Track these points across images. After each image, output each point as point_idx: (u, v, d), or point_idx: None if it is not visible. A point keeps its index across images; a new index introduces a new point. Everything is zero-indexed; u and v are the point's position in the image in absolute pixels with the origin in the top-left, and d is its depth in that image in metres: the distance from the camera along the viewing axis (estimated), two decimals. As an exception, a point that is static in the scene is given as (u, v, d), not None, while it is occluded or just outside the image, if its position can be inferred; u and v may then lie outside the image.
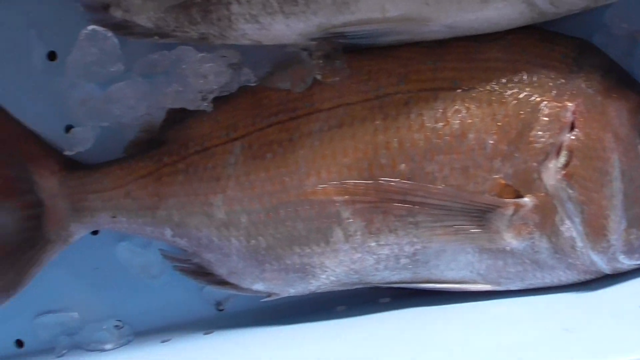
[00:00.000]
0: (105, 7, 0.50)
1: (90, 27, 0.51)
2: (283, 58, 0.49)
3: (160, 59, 0.51)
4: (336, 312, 0.54)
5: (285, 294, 0.51)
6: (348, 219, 0.46)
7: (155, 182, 0.50)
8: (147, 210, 0.50)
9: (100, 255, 0.56)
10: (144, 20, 0.49)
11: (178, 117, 0.52)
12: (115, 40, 0.51)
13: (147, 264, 0.55)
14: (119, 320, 0.56)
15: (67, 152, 0.53)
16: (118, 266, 0.55)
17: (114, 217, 0.51)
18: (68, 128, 0.54)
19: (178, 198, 0.49)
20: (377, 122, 0.46)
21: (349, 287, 0.50)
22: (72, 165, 0.53)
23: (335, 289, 0.50)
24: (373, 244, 0.46)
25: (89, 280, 0.56)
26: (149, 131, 0.53)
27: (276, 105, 0.49)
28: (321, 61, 0.48)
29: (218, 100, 0.50)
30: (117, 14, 0.50)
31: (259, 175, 0.48)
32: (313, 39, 0.47)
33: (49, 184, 0.53)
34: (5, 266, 0.54)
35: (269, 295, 0.51)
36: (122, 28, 0.51)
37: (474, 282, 0.46)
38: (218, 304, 0.56)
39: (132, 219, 0.51)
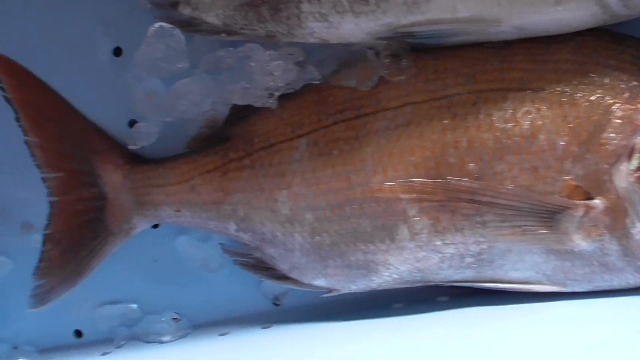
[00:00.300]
0: (174, 5, 0.51)
1: (158, 24, 0.51)
2: (349, 56, 0.50)
3: (226, 56, 0.51)
4: (393, 309, 0.54)
5: (346, 290, 0.51)
6: (414, 216, 0.46)
7: (221, 177, 0.51)
8: (212, 205, 0.51)
9: (160, 249, 0.57)
10: (212, 17, 0.50)
11: (241, 113, 0.53)
12: (182, 37, 0.52)
13: (206, 258, 0.56)
14: (177, 313, 0.57)
15: (131, 147, 0.54)
16: (177, 259, 0.56)
17: (177, 211, 0.52)
18: (132, 123, 0.56)
19: (243, 193, 0.50)
20: (445, 122, 0.46)
21: (409, 285, 0.50)
22: (136, 160, 0.54)
23: (396, 286, 0.51)
24: (439, 242, 0.47)
25: (148, 273, 0.57)
26: (212, 127, 0.53)
27: (341, 103, 0.49)
28: (388, 60, 0.48)
29: (282, 98, 0.51)
30: (186, 11, 0.51)
31: (325, 172, 0.48)
32: (380, 38, 0.48)
33: (113, 178, 0.54)
34: (68, 257, 0.56)
35: (330, 291, 0.52)
36: (189, 25, 0.52)
37: (539, 283, 0.46)
38: (275, 298, 0.56)
39: (196, 213, 0.52)
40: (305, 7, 0.47)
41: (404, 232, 0.47)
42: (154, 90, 0.53)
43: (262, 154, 0.50)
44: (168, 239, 0.56)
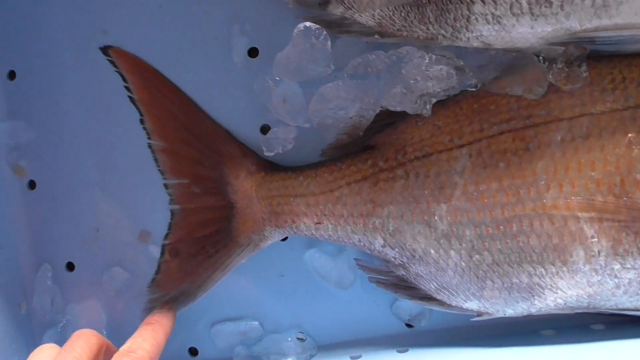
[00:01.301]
0: (324, 4, 0.48)
1: (304, 23, 0.48)
2: (512, 62, 0.47)
3: (377, 60, 0.48)
4: (543, 337, 0.50)
5: (499, 315, 0.47)
6: (592, 237, 0.43)
7: (371, 187, 0.47)
8: (359, 217, 0.48)
9: (287, 262, 0.53)
10: (366, 18, 0.47)
11: (384, 120, 0.50)
12: (328, 38, 0.49)
13: (337, 274, 0.52)
14: (302, 332, 0.53)
15: (267, 154, 0.51)
16: (305, 274, 0.53)
17: (318, 223, 0.49)
18: (264, 128, 0.52)
19: (396, 205, 0.47)
20: (631, 135, 0.42)
21: (570, 312, 0.47)
22: (271, 167, 0.51)
23: (557, 312, 0.47)
24: (617, 266, 0.43)
25: (272, 288, 0.53)
26: (352, 134, 0.50)
27: (506, 111, 0.46)
28: (561, 66, 0.45)
29: (434, 105, 0.48)
30: (337, 10, 0.47)
31: (490, 185, 0.45)
32: (553, 43, 0.45)
33: (244, 186, 0.51)
34: (188, 270, 0.52)
35: (480, 314, 0.48)
36: (337, 26, 0.49)
37: None
38: (410, 319, 0.52)
39: (339, 226, 0.48)
40: (477, 8, 0.44)
41: (579, 253, 0.43)
42: (292, 93, 0.50)
43: (417, 164, 0.47)
44: (296, 251, 0.53)
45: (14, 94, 0.54)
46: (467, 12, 0.44)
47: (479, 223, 0.45)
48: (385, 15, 0.46)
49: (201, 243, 0.52)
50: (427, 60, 0.46)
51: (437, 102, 0.48)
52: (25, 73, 0.54)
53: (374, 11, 0.46)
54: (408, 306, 0.52)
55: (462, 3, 0.44)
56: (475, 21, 0.45)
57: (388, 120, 0.49)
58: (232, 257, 0.52)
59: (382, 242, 0.48)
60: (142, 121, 0.52)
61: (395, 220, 0.47)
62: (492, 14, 0.44)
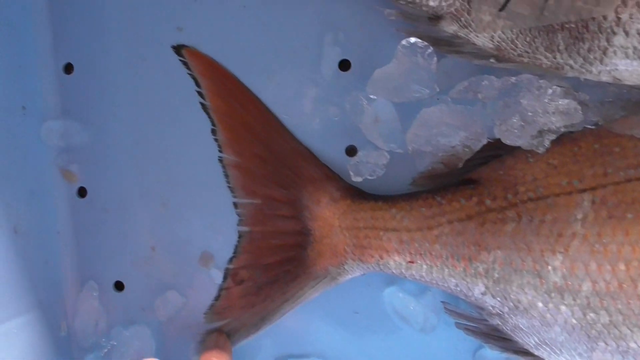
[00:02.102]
0: (435, 19, 0.43)
1: (410, 39, 0.43)
2: (641, 101, 0.42)
3: (488, 86, 0.43)
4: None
5: (605, 378, 0.43)
6: None
7: (477, 228, 0.43)
8: (460, 261, 0.43)
9: (363, 298, 0.48)
10: (483, 39, 0.42)
11: (490, 152, 0.45)
12: (435, 57, 0.44)
13: (419, 316, 0.47)
14: (373, 376, 0.49)
15: (355, 179, 0.46)
16: (382, 313, 0.48)
17: (410, 262, 0.44)
18: (350, 150, 0.47)
19: (504, 251, 0.42)
20: None
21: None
22: (357, 195, 0.46)
23: (668, 379, 0.43)
24: None
25: (344, 326, 0.48)
26: (450, 164, 0.45)
27: (633, 156, 0.41)
28: (703, 111, 0.40)
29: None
30: (450, 28, 0.43)
31: (615, 238, 0.40)
32: (696, 84, 0.40)
33: (326, 213, 0.46)
34: (252, 299, 0.47)
35: (583, 375, 0.44)
36: (447, 44, 0.44)
37: None
38: (494, 371, 0.48)
39: (435, 267, 0.43)
40: (618, 40, 0.39)
41: None
42: (386, 114, 0.45)
43: (530, 207, 0.42)
44: (374, 288, 0.48)
45: (69, 90, 0.48)
46: (605, 44, 0.40)
47: (598, 278, 0.41)
48: (507, 38, 0.42)
49: (270, 271, 0.47)
50: (550, 92, 0.42)
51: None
52: (84, 67, 0.48)
53: (494, 33, 0.42)
54: (493, 356, 0.47)
55: (600, 33, 0.40)
56: (612, 54, 0.40)
57: (492, 152, 0.45)
58: (304, 290, 0.47)
59: (482, 289, 0.43)
60: (214, 132, 0.47)
61: (501, 267, 0.42)
62: (635, 47, 0.39)
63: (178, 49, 0.46)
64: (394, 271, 0.45)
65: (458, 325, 0.46)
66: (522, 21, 0.40)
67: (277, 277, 0.47)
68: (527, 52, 0.42)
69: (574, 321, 0.41)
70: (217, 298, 0.48)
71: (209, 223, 0.48)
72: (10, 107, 0.44)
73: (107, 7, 0.46)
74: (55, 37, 0.48)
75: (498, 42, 0.42)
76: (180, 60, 0.46)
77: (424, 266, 0.44)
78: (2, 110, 0.43)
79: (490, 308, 0.44)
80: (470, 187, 0.44)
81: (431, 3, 0.42)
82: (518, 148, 0.43)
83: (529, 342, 0.44)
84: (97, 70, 0.48)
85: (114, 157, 0.48)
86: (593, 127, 0.43)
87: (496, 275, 0.42)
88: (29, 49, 0.47)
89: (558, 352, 0.43)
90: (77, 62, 0.47)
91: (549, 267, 0.41)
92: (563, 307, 0.41)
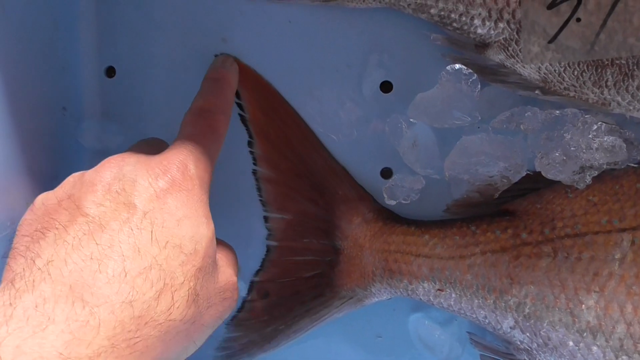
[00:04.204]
0: (482, 47, 0.43)
1: (456, 65, 0.43)
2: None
3: (531, 117, 0.43)
4: None
5: None
6: None
7: (511, 261, 0.42)
8: (492, 293, 0.42)
9: (387, 323, 0.48)
10: (530, 70, 0.42)
11: (527, 185, 0.44)
12: (479, 85, 0.43)
13: (444, 345, 0.46)
14: (393, 404, 0.48)
15: (389, 201, 0.45)
16: (405, 339, 0.47)
17: (440, 290, 0.43)
18: (384, 171, 0.47)
19: (537, 286, 0.41)
20: None
21: None
22: (390, 217, 0.45)
23: None
24: None
25: (366, 350, 0.48)
26: (485, 194, 0.44)
27: (677, 198, 0.41)
28: None
29: (590, 177, 0.42)
30: (497, 57, 0.42)
31: (653, 281, 0.40)
32: None
33: (357, 233, 0.45)
34: (275, 314, 0.47)
35: (610, 419, 0.43)
36: (491, 73, 0.43)
37: None
38: (517, 407, 0.47)
39: (465, 298, 0.43)
40: (672, 79, 0.39)
41: None
42: (425, 139, 0.45)
43: (567, 243, 0.41)
44: (399, 313, 0.47)
45: (110, 93, 0.48)
46: (658, 83, 0.39)
47: (633, 321, 0.40)
48: (554, 70, 0.41)
49: (296, 287, 0.47)
50: (595, 128, 0.41)
51: (593, 173, 0.43)
52: (126, 72, 0.48)
53: (542, 64, 0.41)
54: (517, 392, 0.46)
55: (654, 73, 0.39)
56: (664, 93, 0.39)
57: (531, 185, 0.44)
58: (329, 309, 0.46)
59: (512, 323, 0.42)
60: (250, 144, 0.46)
61: (533, 302, 0.41)
62: (685, 89, 0.39)
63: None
64: (422, 298, 0.44)
65: (483, 357, 0.45)
66: (571, 54, 0.40)
67: (302, 294, 0.47)
68: (574, 86, 0.41)
69: (605, 363, 0.40)
70: (240, 309, 0.47)
71: (237, 235, 0.48)
72: (51, 108, 0.45)
73: (154, 13, 0.47)
74: (99, 39, 0.48)
75: (545, 74, 0.41)
76: (222, 70, 0.46)
77: (454, 295, 0.43)
78: (43, 110, 0.44)
79: (519, 343, 0.43)
80: (506, 219, 0.43)
81: (479, 31, 0.42)
82: (557, 182, 0.43)
83: (556, 380, 0.43)
84: (139, 75, 0.47)
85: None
86: (636, 165, 0.42)
87: (527, 310, 0.41)
88: (73, 50, 0.48)
89: (586, 393, 0.42)
90: (119, 66, 0.48)
91: (583, 306, 0.40)
92: (595, 348, 0.40)
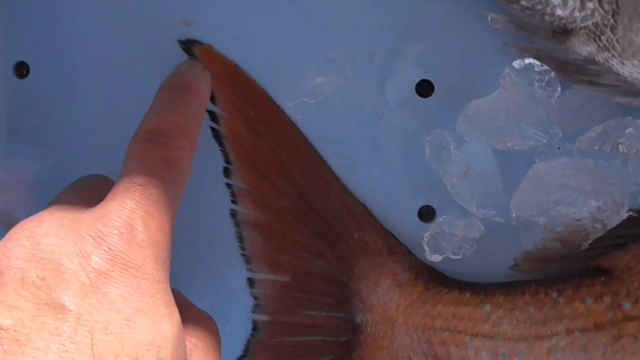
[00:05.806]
0: (563, 35, 0.30)
1: (524, 60, 0.31)
2: None
3: (633, 135, 0.31)
4: None
5: None
6: None
7: (610, 344, 0.30)
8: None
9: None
10: (632, 68, 0.30)
11: (628, 231, 0.32)
12: (558, 88, 0.31)
13: None
14: None
15: (431, 257, 0.32)
16: None
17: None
18: (425, 211, 0.34)
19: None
20: None
21: None
22: (434, 279, 0.33)
23: None
24: None
25: None
26: (569, 244, 0.32)
27: None
28: None
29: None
30: (584, 48, 0.31)
31: None
32: None
33: (386, 301, 0.33)
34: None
35: None
36: (577, 71, 0.32)
37: None
38: None
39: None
40: None
41: None
42: (483, 165, 0.32)
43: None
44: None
45: (20, 99, 0.34)
46: None
47: None
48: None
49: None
50: None
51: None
52: (43, 69, 0.33)
53: (651, 64, 0.29)
54: None
55: None
56: None
57: (633, 231, 0.32)
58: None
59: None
60: (227, 172, 0.33)
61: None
62: None
63: (188, 46, 0.33)
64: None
65: None
66: None
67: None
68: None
69: None
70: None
71: (209, 305, 0.34)
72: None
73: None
74: (5, 24, 0.34)
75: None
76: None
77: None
78: None
79: None
80: (601, 281, 0.31)
81: (559, 12, 0.30)
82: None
83: None
84: (62, 74, 0.33)
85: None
86: None
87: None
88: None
89: None
90: (34, 62, 0.34)
91: None
92: None
